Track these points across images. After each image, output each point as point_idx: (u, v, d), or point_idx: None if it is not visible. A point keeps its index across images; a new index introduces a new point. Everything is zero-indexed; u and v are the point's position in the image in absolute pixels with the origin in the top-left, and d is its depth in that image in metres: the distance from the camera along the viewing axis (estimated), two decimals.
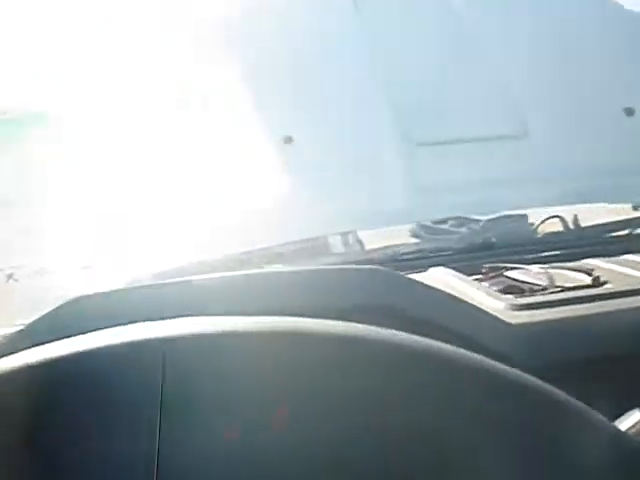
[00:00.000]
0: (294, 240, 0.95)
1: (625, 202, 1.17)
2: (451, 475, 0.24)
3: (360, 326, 0.26)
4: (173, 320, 0.29)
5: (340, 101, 1.03)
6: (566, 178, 0.99)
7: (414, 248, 0.91)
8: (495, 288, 0.59)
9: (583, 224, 1.07)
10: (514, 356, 0.40)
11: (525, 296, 0.51)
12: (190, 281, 0.36)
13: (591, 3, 1.27)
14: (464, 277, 0.59)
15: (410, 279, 0.42)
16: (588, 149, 1.04)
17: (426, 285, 0.41)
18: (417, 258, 0.82)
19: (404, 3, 1.19)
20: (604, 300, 0.47)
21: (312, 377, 0.27)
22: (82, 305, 0.35)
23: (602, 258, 0.72)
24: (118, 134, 0.82)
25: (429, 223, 1.59)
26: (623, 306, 0.46)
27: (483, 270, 0.68)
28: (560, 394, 0.26)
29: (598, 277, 0.55)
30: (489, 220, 1.21)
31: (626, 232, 1.02)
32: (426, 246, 0.91)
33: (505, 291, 0.58)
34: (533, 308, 0.46)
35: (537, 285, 0.57)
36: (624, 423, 0.29)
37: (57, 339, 0.30)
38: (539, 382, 0.26)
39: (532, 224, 1.18)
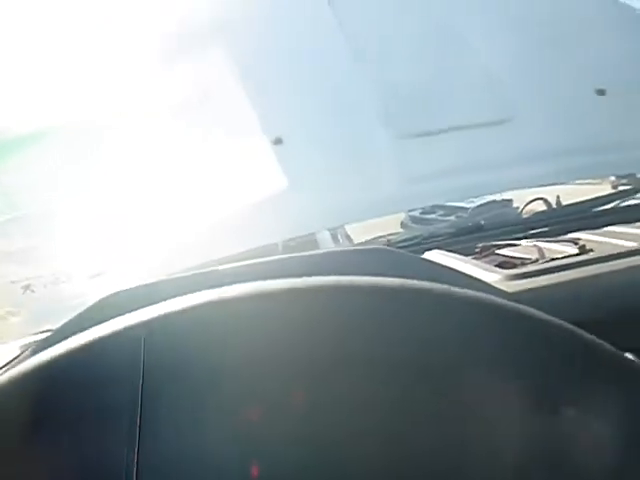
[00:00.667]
0: (287, 238, 0.98)
1: (606, 177, 1.22)
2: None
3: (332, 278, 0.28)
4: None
5: (326, 97, 1.06)
6: (549, 158, 1.03)
7: (407, 236, 0.95)
8: (490, 264, 0.63)
9: (565, 202, 1.12)
10: None
11: (519, 268, 0.55)
12: (215, 270, 0.38)
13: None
14: (460, 257, 0.62)
15: (414, 256, 0.45)
16: (567, 129, 1.08)
17: (432, 262, 0.44)
18: (411, 245, 0.86)
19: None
20: (592, 264, 0.50)
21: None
22: (110, 303, 0.37)
23: (586, 231, 0.76)
24: (112, 141, 0.84)
25: (417, 214, 1.64)
26: (611, 268, 0.49)
27: (476, 250, 0.71)
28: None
29: (584, 246, 0.58)
30: (476, 207, 1.26)
31: (608, 206, 1.07)
32: (418, 233, 0.94)
33: (499, 266, 0.61)
34: (528, 277, 0.49)
35: (528, 259, 0.61)
36: None
37: None
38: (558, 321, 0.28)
39: (517, 207, 1.22)
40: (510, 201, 1.53)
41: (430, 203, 1.07)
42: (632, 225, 0.76)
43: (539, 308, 0.42)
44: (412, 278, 0.35)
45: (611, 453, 0.28)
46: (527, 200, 1.15)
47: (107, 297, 0.39)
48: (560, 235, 0.78)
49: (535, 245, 0.63)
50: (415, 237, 0.89)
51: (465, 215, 1.26)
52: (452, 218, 1.34)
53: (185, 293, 0.33)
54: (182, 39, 1.06)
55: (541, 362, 0.28)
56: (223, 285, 0.34)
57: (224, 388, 0.29)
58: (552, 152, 1.02)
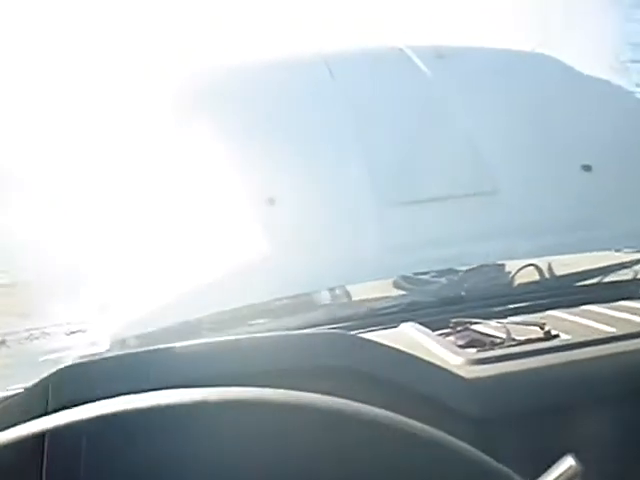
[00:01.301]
0: (280, 297, 0.99)
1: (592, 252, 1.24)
2: None
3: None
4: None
5: (319, 164, 1.10)
6: (533, 232, 1.05)
7: (390, 303, 0.96)
8: (459, 342, 0.64)
9: (557, 272, 1.13)
10: (469, 410, 0.44)
11: (483, 350, 0.56)
12: (172, 348, 0.39)
13: (553, 70, 1.38)
14: (430, 333, 0.63)
15: (369, 341, 0.46)
16: (552, 203, 1.11)
17: (385, 345, 0.45)
18: (391, 313, 0.87)
19: (377, 71, 1.29)
20: (552, 353, 0.51)
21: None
22: (74, 373, 0.38)
23: (563, 309, 0.77)
24: (105, 194, 0.86)
25: (410, 274, 1.65)
26: (570, 358, 0.50)
27: (450, 324, 0.72)
28: (481, 456, 0.29)
29: (549, 331, 0.59)
30: (467, 270, 1.27)
31: (595, 280, 1.08)
32: (400, 301, 0.95)
33: (468, 344, 0.62)
34: (488, 362, 0.50)
35: (497, 338, 0.62)
36: (554, 471, 0.32)
37: (50, 404, 0.33)
38: (452, 439, 0.29)
39: (509, 272, 1.24)
40: (502, 266, 1.54)
41: (412, 272, 1.08)
42: (610, 306, 0.77)
43: (494, 395, 0.42)
44: (361, 364, 0.36)
45: None
46: (519, 265, 1.16)
47: (70, 366, 0.40)
48: (538, 311, 0.79)
49: (504, 325, 0.64)
50: (396, 306, 0.90)
51: (456, 278, 1.27)
52: (443, 280, 1.35)
53: (141, 370, 0.34)
54: (185, 102, 1.11)
55: None
56: (175, 364, 0.35)
57: None
58: (536, 226, 1.05)
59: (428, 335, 0.62)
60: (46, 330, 0.59)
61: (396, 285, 1.43)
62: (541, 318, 0.65)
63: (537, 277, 1.10)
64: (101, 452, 0.29)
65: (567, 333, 0.62)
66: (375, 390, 0.33)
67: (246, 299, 0.95)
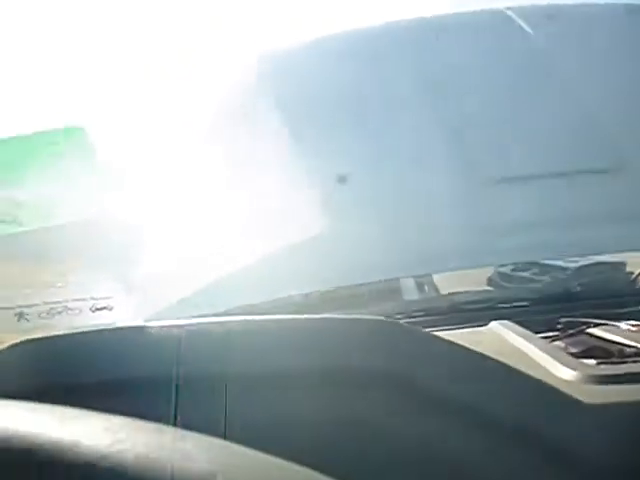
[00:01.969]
0: (354, 284, 0.88)
1: None
2: None
3: None
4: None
5: (401, 138, 0.98)
6: None
7: (479, 297, 0.80)
8: (572, 350, 0.47)
9: None
10: (591, 455, 0.29)
11: (609, 362, 0.39)
12: (205, 323, 0.33)
13: None
14: (530, 334, 0.47)
15: (425, 333, 0.33)
16: None
17: (455, 344, 0.31)
18: (481, 309, 0.71)
19: (480, 37, 1.14)
20: None
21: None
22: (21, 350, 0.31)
23: None
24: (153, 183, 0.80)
25: (508, 271, 1.45)
26: None
27: (559, 326, 0.55)
28: None
29: None
30: (579, 268, 1.07)
31: None
32: (493, 295, 0.79)
33: (585, 354, 0.45)
34: (618, 381, 0.34)
35: (629, 347, 0.44)
36: None
37: None
38: None
39: (631, 273, 1.01)
40: (623, 264, 1.27)
41: (508, 261, 0.91)
42: None
43: (627, 432, 0.27)
44: (410, 356, 0.24)
45: None
46: None
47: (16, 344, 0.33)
48: None
49: (638, 330, 0.46)
50: (487, 300, 0.74)
51: (563, 276, 1.07)
52: (546, 278, 1.16)
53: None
54: (255, 82, 1.04)
55: None
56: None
57: None
58: None
59: (527, 338, 0.46)
60: (69, 305, 0.53)
61: (489, 282, 1.25)
62: None
63: None
64: None
65: None
66: (419, 406, 0.20)
67: (312, 286, 0.86)
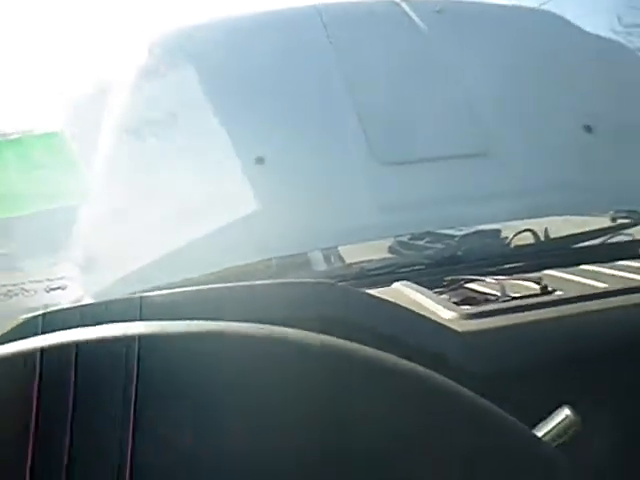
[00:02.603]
0: (270, 257, 0.97)
1: (588, 215, 1.22)
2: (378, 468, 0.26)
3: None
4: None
5: (311, 120, 1.07)
6: (529, 193, 1.03)
7: (383, 264, 0.94)
8: (454, 299, 0.62)
9: (553, 236, 1.11)
10: (464, 363, 0.42)
11: (476, 306, 0.54)
12: (153, 296, 0.37)
13: (556, 28, 1.33)
14: (424, 290, 0.61)
15: (360, 292, 0.44)
16: (547, 165, 1.08)
17: (376, 297, 0.43)
18: (385, 273, 0.85)
19: (373, 26, 1.24)
20: (549, 307, 0.50)
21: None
22: (43, 321, 0.36)
23: (560, 269, 0.75)
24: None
25: (406, 239, 1.63)
26: (566, 312, 0.48)
27: (444, 283, 0.70)
28: (482, 402, 0.28)
29: (546, 286, 0.58)
30: (463, 236, 1.25)
31: (593, 242, 1.07)
32: (395, 262, 0.93)
33: (462, 302, 0.60)
34: (482, 316, 0.48)
35: (491, 295, 0.60)
36: (551, 421, 0.31)
37: None
38: (459, 388, 0.28)
39: (505, 238, 1.22)
40: (498, 231, 1.52)
41: (405, 232, 1.06)
42: (608, 265, 0.75)
43: (489, 349, 0.40)
44: (352, 314, 0.34)
45: None
46: (515, 231, 1.15)
47: (36, 316, 0.38)
48: (533, 272, 0.77)
49: (499, 282, 0.62)
50: (390, 266, 0.88)
51: (453, 243, 1.25)
52: (438, 245, 1.34)
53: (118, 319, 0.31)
54: (172, 59, 1.06)
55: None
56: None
57: None
58: (532, 187, 1.02)
59: (422, 292, 0.60)
60: (25, 287, 0.57)
61: (391, 250, 1.42)
62: (537, 277, 0.63)
63: (533, 241, 1.08)
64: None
65: (563, 290, 0.60)
66: (364, 341, 0.31)
67: (235, 260, 0.93)
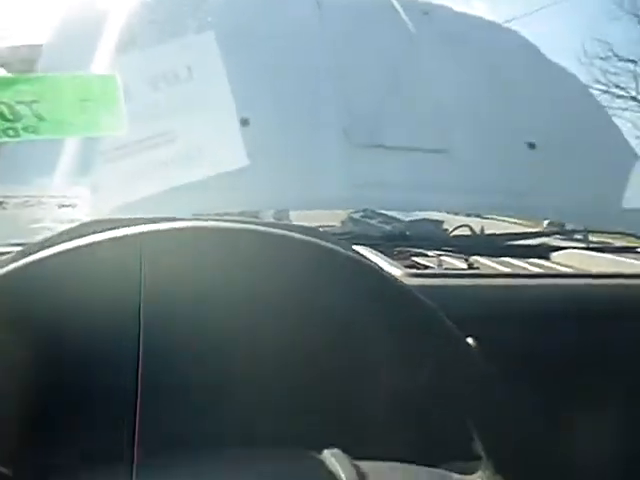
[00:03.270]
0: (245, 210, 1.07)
1: (520, 217, 1.40)
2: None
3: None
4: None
5: (295, 92, 1.17)
6: (475, 191, 1.19)
7: (341, 231, 1.08)
8: (401, 264, 0.76)
9: (486, 232, 1.28)
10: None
11: (418, 270, 0.68)
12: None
13: (520, 48, 1.49)
14: (378, 253, 0.75)
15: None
16: (495, 171, 1.25)
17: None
18: (344, 238, 0.99)
19: (365, 16, 1.35)
20: (472, 278, 0.64)
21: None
22: (92, 228, 0.44)
23: (487, 257, 0.92)
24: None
25: (359, 216, 1.78)
26: (484, 283, 0.63)
27: (394, 252, 0.85)
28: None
29: (472, 263, 0.73)
30: (410, 221, 1.41)
31: (517, 242, 1.24)
32: (353, 229, 1.07)
33: (407, 267, 0.75)
34: (422, 277, 0.63)
35: (429, 266, 0.75)
36: None
37: None
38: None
39: (446, 229, 1.38)
40: (441, 222, 1.70)
41: (366, 207, 1.20)
42: (523, 259, 0.92)
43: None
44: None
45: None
46: (455, 224, 1.31)
47: (88, 223, 0.46)
48: (466, 255, 0.93)
49: (438, 257, 0.77)
50: (347, 233, 1.02)
51: (400, 226, 1.40)
52: (388, 227, 1.48)
53: None
54: (171, 19, 1.12)
55: None
56: None
57: None
58: (478, 187, 1.19)
59: (376, 254, 0.74)
60: (42, 200, 0.65)
61: (342, 224, 1.55)
62: (468, 258, 0.78)
63: (469, 234, 1.24)
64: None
65: (483, 268, 0.76)
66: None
67: (213, 208, 1.02)
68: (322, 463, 0.34)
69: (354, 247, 0.84)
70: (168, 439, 0.35)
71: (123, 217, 0.45)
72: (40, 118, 0.52)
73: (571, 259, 0.97)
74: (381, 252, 0.81)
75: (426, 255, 0.84)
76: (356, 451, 0.36)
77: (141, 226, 0.34)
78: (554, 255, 1.03)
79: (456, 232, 1.25)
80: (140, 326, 0.36)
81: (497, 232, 1.29)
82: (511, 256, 0.94)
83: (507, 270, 0.74)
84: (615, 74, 6.41)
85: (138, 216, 0.41)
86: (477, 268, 0.73)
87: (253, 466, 0.33)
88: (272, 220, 1.23)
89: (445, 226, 1.52)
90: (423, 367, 0.40)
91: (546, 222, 1.50)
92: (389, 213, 1.62)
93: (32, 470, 0.37)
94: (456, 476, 0.36)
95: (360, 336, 0.42)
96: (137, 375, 0.35)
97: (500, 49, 1.44)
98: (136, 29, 1.09)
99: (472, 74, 1.32)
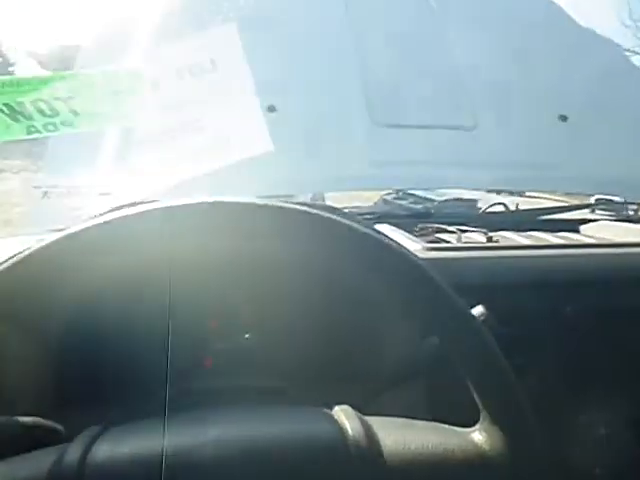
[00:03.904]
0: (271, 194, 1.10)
1: (547, 192, 1.38)
2: None
3: None
4: None
5: (321, 79, 1.19)
6: (504, 166, 1.18)
7: (367, 210, 1.10)
8: (423, 239, 0.78)
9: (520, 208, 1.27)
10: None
11: (437, 244, 0.70)
12: None
13: (547, 21, 1.45)
14: (397, 229, 0.78)
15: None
16: (525, 145, 1.24)
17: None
18: (367, 219, 1.01)
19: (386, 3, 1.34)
20: (487, 250, 0.66)
21: None
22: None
23: (513, 231, 0.92)
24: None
25: (391, 198, 1.79)
26: (499, 253, 0.65)
27: (417, 229, 0.87)
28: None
29: (492, 237, 0.74)
30: (442, 201, 1.41)
31: (549, 217, 1.23)
32: (377, 209, 1.09)
33: (428, 242, 0.77)
34: (437, 250, 0.65)
35: (449, 241, 0.77)
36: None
37: None
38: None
39: (479, 208, 1.38)
40: (475, 201, 1.70)
41: (391, 186, 1.21)
42: (551, 233, 0.92)
43: (440, 272, 0.56)
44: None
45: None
46: (489, 203, 1.30)
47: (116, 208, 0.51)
48: (493, 232, 0.93)
49: (460, 233, 0.78)
50: (373, 213, 1.04)
51: (428, 205, 1.41)
52: (416, 207, 1.49)
53: None
54: (196, 10, 1.16)
55: None
56: None
57: None
58: (507, 162, 1.18)
59: (395, 231, 0.76)
60: (82, 189, 0.71)
61: (375, 204, 1.57)
62: (489, 232, 0.79)
63: (503, 210, 1.23)
64: None
65: (503, 242, 0.77)
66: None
67: (240, 193, 1.06)
68: (331, 417, 0.37)
69: (377, 225, 0.87)
70: (197, 393, 0.40)
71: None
72: (75, 113, 0.57)
73: (601, 231, 0.96)
74: (404, 229, 0.83)
75: (449, 231, 0.85)
76: (365, 407, 0.39)
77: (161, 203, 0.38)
78: (584, 227, 1.02)
79: (490, 210, 1.25)
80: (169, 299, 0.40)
81: (529, 208, 1.28)
82: (540, 230, 0.94)
83: (525, 242, 0.75)
84: None
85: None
86: (496, 241, 0.74)
87: (265, 419, 0.37)
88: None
89: (479, 205, 1.52)
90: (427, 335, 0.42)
91: (593, 198, 1.47)
92: (421, 193, 1.63)
93: (80, 426, 0.42)
94: (457, 429, 0.38)
95: (367, 303, 0.45)
96: (168, 342, 0.39)
97: (528, 18, 1.40)
98: (168, 22, 1.13)
99: (499, 46, 1.30)
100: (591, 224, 1.03)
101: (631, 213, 1.49)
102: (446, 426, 0.38)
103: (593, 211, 1.38)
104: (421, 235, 0.83)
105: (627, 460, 0.61)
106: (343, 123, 1.13)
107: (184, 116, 0.92)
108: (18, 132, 0.54)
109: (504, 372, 0.37)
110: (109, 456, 0.33)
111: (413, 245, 0.66)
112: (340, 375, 0.43)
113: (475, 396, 0.38)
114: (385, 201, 1.80)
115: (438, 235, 0.85)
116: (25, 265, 0.36)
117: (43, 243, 0.37)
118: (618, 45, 1.69)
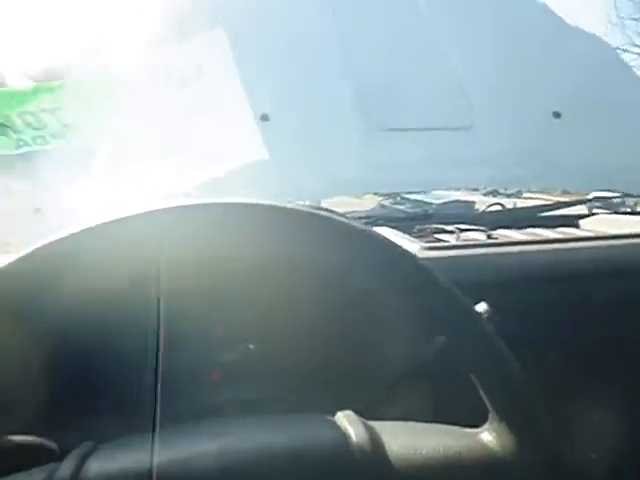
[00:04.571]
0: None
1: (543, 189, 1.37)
2: None
3: None
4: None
5: (314, 85, 1.19)
6: (500, 165, 1.18)
7: (366, 214, 1.09)
8: (421, 239, 0.78)
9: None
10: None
11: (435, 243, 0.69)
12: None
13: (540, 16, 1.45)
14: (395, 231, 0.77)
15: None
16: (519, 143, 1.23)
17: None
18: (369, 223, 1.00)
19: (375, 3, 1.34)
20: (486, 247, 0.65)
21: None
22: None
23: (513, 229, 0.91)
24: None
25: (388, 203, 1.78)
26: (498, 250, 0.64)
27: (415, 231, 0.86)
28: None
29: (491, 235, 0.73)
30: (441, 204, 1.40)
31: (547, 214, 1.22)
32: (376, 213, 1.08)
33: (426, 242, 0.76)
34: (435, 250, 0.64)
35: (447, 240, 0.76)
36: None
37: None
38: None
39: (477, 209, 1.37)
40: (472, 203, 1.69)
41: (389, 190, 1.21)
42: (550, 229, 0.91)
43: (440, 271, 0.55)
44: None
45: None
46: (487, 204, 1.30)
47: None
48: (492, 230, 0.93)
49: (459, 232, 0.78)
50: (371, 217, 1.03)
51: (426, 208, 1.40)
52: (418, 210, 1.48)
53: None
54: (185, 18, 1.16)
55: None
56: None
57: None
58: (502, 160, 1.17)
59: (395, 233, 0.75)
60: (77, 203, 0.70)
61: (373, 209, 1.56)
62: (488, 230, 0.79)
63: (500, 209, 1.23)
64: None
65: (503, 239, 0.76)
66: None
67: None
68: (334, 423, 0.36)
69: (375, 229, 0.87)
70: (193, 405, 0.39)
71: None
72: (64, 125, 0.56)
73: (599, 224, 0.95)
74: (401, 232, 0.82)
75: (447, 231, 0.84)
76: (369, 412, 0.38)
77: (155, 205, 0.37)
78: (582, 222, 1.01)
79: (487, 210, 1.25)
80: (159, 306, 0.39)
81: (526, 205, 1.27)
82: (540, 227, 0.93)
83: (523, 238, 0.74)
84: None
85: None
86: (495, 239, 0.73)
87: (269, 426, 0.36)
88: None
89: (477, 206, 1.51)
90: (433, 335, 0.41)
91: (591, 195, 1.46)
92: (419, 197, 1.62)
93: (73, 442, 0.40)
94: (465, 430, 0.37)
95: (371, 307, 0.44)
96: (157, 350, 0.38)
97: (519, 16, 1.40)
98: (160, 27, 1.13)
99: (491, 45, 1.30)
100: (589, 218, 1.02)
101: (628, 207, 1.48)
102: (453, 427, 0.37)
103: (590, 207, 1.38)
104: (419, 236, 0.82)
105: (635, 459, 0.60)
106: (338, 128, 1.12)
107: (177, 125, 0.92)
108: (7, 146, 0.54)
109: (513, 370, 0.36)
110: (100, 473, 0.32)
111: (411, 246, 0.65)
112: (344, 381, 0.42)
113: (483, 395, 0.37)
114: (382, 206, 1.79)
115: (436, 235, 0.84)
116: (25, 265, 0.35)
117: (42, 243, 0.37)
118: (607, 43, 1.69)
